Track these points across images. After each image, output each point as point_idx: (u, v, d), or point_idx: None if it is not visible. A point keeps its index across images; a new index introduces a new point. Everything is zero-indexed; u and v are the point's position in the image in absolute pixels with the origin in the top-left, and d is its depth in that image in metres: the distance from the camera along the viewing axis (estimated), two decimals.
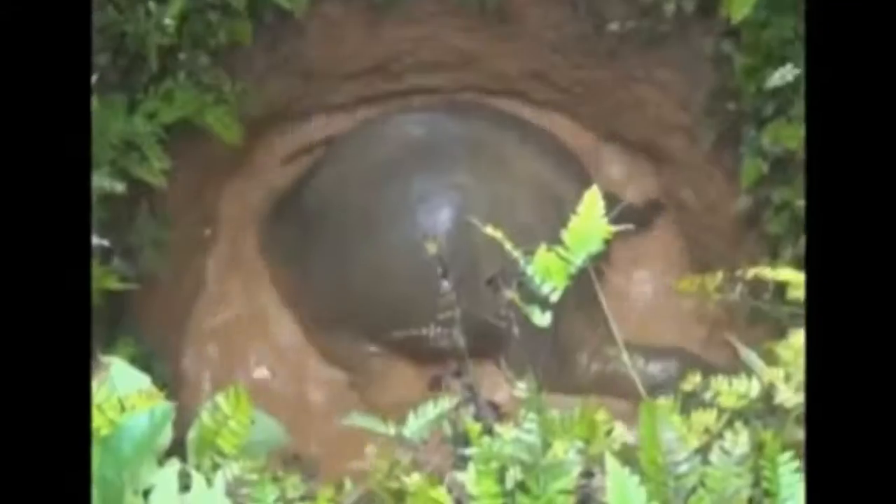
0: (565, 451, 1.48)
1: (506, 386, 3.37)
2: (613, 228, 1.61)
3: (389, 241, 3.60)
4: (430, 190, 3.63)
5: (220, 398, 1.58)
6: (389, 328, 3.45)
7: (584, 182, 3.65)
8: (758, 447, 1.49)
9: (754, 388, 1.61)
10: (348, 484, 1.65)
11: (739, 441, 1.49)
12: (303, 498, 1.58)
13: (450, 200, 3.59)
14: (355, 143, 3.89)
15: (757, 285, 2.05)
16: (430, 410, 1.69)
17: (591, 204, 1.63)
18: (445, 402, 1.70)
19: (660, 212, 3.97)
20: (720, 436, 1.52)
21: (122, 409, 1.47)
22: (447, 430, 1.70)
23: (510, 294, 1.64)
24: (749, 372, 1.66)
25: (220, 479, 1.50)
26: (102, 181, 2.71)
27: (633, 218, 3.69)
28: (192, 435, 1.58)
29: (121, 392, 1.52)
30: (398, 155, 3.73)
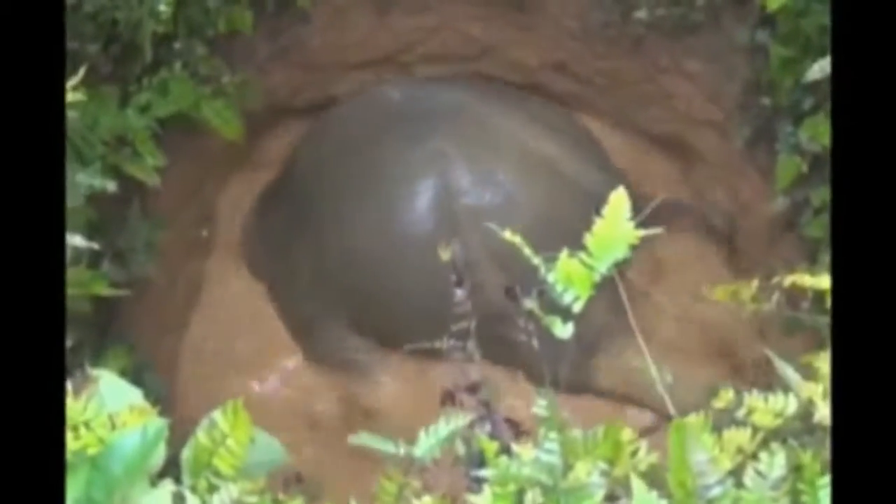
0: (588, 472, 1.47)
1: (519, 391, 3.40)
2: (641, 233, 1.60)
3: (366, 224, 3.62)
4: (412, 172, 3.61)
5: (217, 415, 1.58)
6: (381, 320, 3.51)
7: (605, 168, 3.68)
8: (795, 469, 1.48)
9: (791, 405, 1.59)
10: None
11: (776, 462, 1.48)
12: None
13: (432, 183, 3.57)
14: (332, 123, 3.90)
15: (794, 293, 2.04)
16: (443, 428, 1.68)
17: (617, 206, 1.61)
18: (459, 420, 1.69)
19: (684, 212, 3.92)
20: (755, 457, 1.51)
21: (113, 426, 1.47)
22: (461, 449, 1.69)
23: (530, 304, 1.63)
24: (785, 388, 1.65)
25: (217, 501, 1.50)
26: (92, 179, 2.70)
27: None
28: (187, 454, 1.58)
29: (111, 408, 1.52)
30: (375, 134, 3.73)
